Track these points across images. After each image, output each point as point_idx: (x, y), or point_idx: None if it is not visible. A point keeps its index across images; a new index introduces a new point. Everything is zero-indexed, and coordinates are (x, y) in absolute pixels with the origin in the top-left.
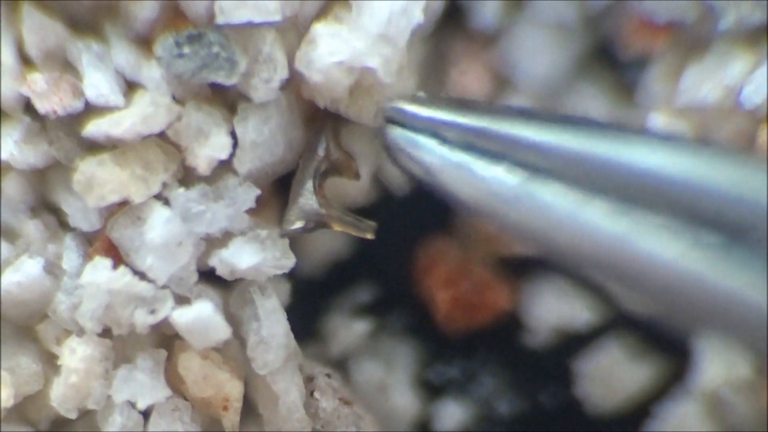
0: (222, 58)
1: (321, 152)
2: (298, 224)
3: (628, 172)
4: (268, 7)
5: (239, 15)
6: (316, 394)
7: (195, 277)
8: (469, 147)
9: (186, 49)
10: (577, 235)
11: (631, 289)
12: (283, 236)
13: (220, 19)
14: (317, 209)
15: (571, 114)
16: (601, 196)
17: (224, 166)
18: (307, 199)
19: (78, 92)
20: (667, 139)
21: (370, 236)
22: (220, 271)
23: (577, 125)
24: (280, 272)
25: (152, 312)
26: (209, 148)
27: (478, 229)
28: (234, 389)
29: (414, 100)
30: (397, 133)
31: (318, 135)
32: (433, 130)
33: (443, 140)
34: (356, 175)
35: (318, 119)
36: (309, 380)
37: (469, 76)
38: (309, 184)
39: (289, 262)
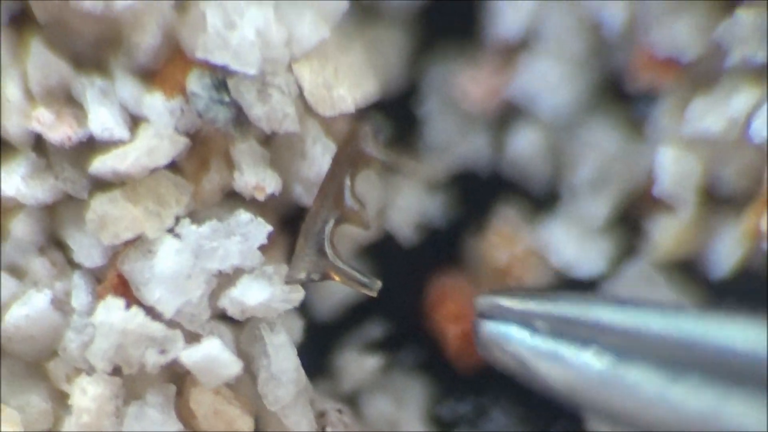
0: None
1: (347, 200)
2: (303, 275)
3: (712, 350)
4: (248, 59)
5: (218, 56)
6: (328, 429)
7: (207, 313)
8: (558, 335)
9: (226, 96)
10: (664, 413)
11: None
12: (288, 283)
13: (199, 54)
14: (325, 262)
15: (653, 300)
16: (686, 374)
17: (235, 201)
18: (317, 248)
19: (82, 123)
20: (747, 318)
21: (373, 294)
22: (231, 311)
23: (660, 309)
24: (290, 306)
25: (162, 352)
26: (266, 180)
27: (487, 264)
28: (245, 425)
29: (505, 293)
30: (490, 328)
31: (333, 181)
32: (525, 322)
33: (534, 330)
34: (366, 226)
35: (335, 163)
36: (321, 416)
37: (478, 88)
38: (321, 234)
39: (298, 295)
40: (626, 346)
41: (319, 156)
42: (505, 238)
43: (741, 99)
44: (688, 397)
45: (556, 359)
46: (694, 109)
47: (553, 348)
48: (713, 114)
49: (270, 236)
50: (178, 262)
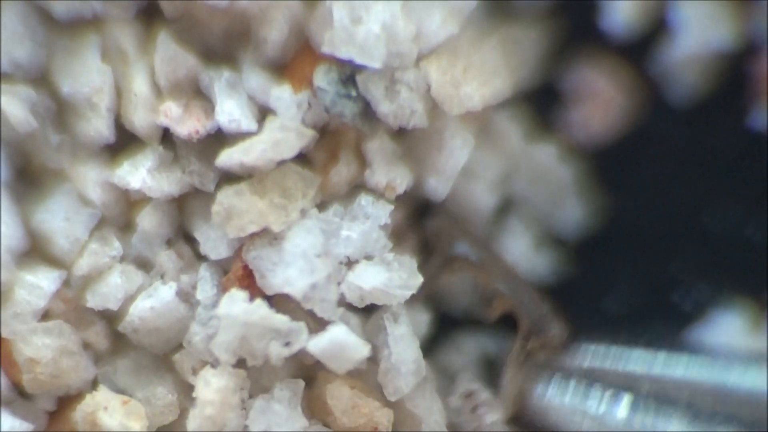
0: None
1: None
2: None
3: (744, 398)
4: (373, 53)
5: (343, 51)
6: (481, 409)
7: (335, 297)
8: (586, 384)
9: (353, 91)
10: None
11: None
12: None
13: (325, 49)
14: None
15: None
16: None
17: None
18: None
19: (210, 115)
20: None
21: None
22: (350, 296)
23: (692, 357)
24: (408, 293)
25: (287, 344)
26: (398, 179)
27: None
28: (383, 417)
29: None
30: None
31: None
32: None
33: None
34: None
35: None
36: (468, 396)
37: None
38: None
39: (416, 282)
40: (655, 394)
41: (458, 149)
42: None
43: None
44: None
45: (582, 410)
46: None
47: (581, 398)
48: None
49: (397, 225)
50: (306, 241)
